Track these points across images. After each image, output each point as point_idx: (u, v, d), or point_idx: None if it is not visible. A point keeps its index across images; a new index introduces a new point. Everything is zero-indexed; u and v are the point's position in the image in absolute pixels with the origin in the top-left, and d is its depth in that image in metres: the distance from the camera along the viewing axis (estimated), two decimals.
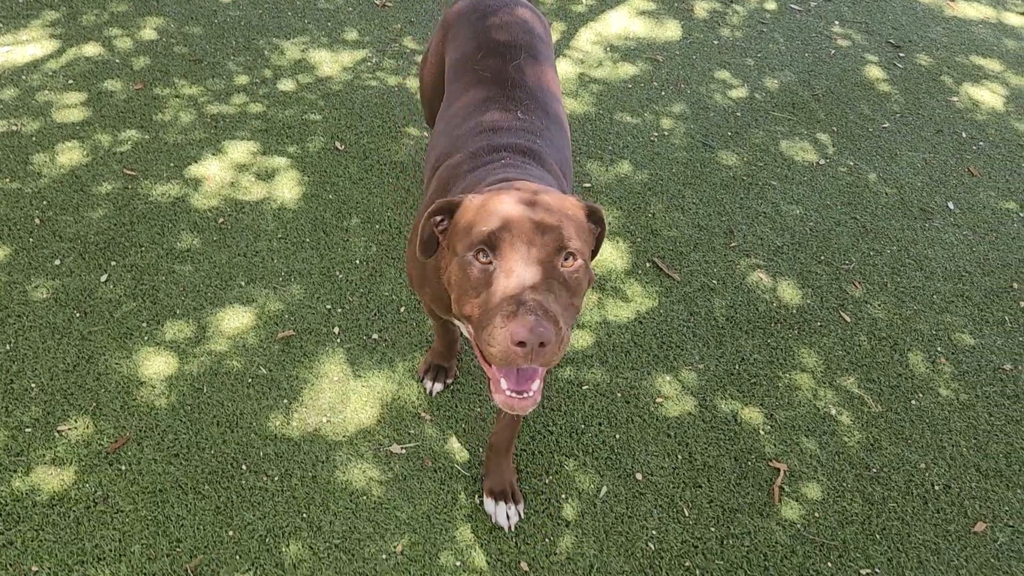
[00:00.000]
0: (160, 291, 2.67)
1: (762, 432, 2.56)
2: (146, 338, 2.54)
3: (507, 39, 2.26)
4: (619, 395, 2.59)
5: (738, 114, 3.81)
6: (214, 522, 2.17)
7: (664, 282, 2.96)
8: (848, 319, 2.94)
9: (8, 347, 2.48)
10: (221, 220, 2.92)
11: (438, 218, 1.59)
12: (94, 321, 2.56)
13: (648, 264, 3.01)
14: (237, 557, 2.11)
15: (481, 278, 1.40)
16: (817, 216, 3.33)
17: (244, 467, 2.28)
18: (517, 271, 1.36)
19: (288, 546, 2.15)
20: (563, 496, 2.33)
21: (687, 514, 2.34)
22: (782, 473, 2.47)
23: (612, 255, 3.01)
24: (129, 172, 3.04)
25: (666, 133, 3.61)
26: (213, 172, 3.09)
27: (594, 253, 1.64)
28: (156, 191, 2.99)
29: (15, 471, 2.22)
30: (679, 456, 2.46)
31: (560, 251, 1.41)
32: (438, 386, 2.52)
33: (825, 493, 2.44)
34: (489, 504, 2.26)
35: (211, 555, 2.11)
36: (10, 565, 2.04)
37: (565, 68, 3.91)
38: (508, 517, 2.25)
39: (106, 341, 2.51)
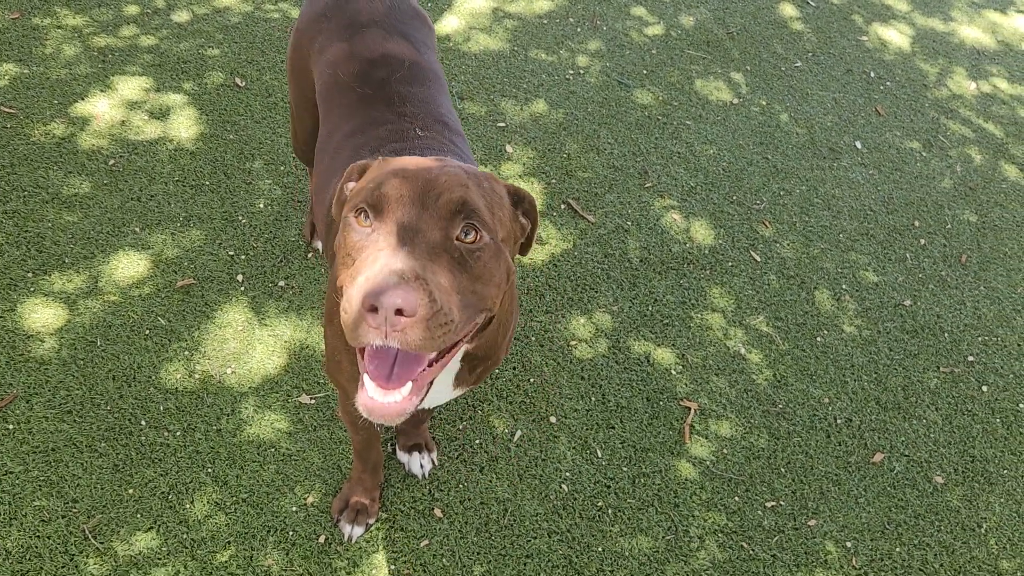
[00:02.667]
0: (46, 239, 2.50)
1: (674, 372, 2.59)
2: (32, 289, 2.38)
3: (383, 43, 1.88)
4: (533, 339, 2.57)
5: (653, 51, 3.76)
6: (112, 480, 2.08)
7: (579, 224, 2.93)
8: (758, 259, 2.98)
9: None
10: (112, 162, 2.74)
11: (351, 185, 1.33)
12: None
13: (563, 206, 2.98)
14: (138, 515, 2.04)
15: (358, 244, 1.13)
16: (730, 156, 3.34)
17: (143, 423, 2.19)
18: (396, 235, 1.10)
19: (193, 503, 2.08)
20: (477, 442, 2.32)
21: (600, 455, 2.36)
22: (692, 412, 2.51)
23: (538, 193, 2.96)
24: (7, 110, 2.82)
25: (581, 71, 3.55)
26: (102, 110, 2.89)
27: (524, 249, 1.39)
28: (39, 131, 2.78)
29: None
30: (592, 398, 2.47)
31: (458, 218, 1.13)
32: (358, 530, 2.09)
33: (733, 430, 2.50)
34: (402, 455, 2.23)
35: (110, 514, 2.03)
36: None
37: (479, 3, 3.79)
38: (422, 466, 2.23)
39: None
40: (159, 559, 1.98)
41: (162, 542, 2.01)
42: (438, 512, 2.17)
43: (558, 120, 3.29)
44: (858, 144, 3.57)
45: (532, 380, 2.47)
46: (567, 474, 2.31)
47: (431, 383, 1.20)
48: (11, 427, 2.12)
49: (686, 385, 2.57)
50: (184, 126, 2.90)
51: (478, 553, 2.12)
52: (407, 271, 1.03)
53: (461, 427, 2.34)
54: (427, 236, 1.10)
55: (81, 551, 1.96)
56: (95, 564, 1.95)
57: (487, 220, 1.16)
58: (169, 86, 3.05)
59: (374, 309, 0.99)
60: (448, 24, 3.62)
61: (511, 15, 3.77)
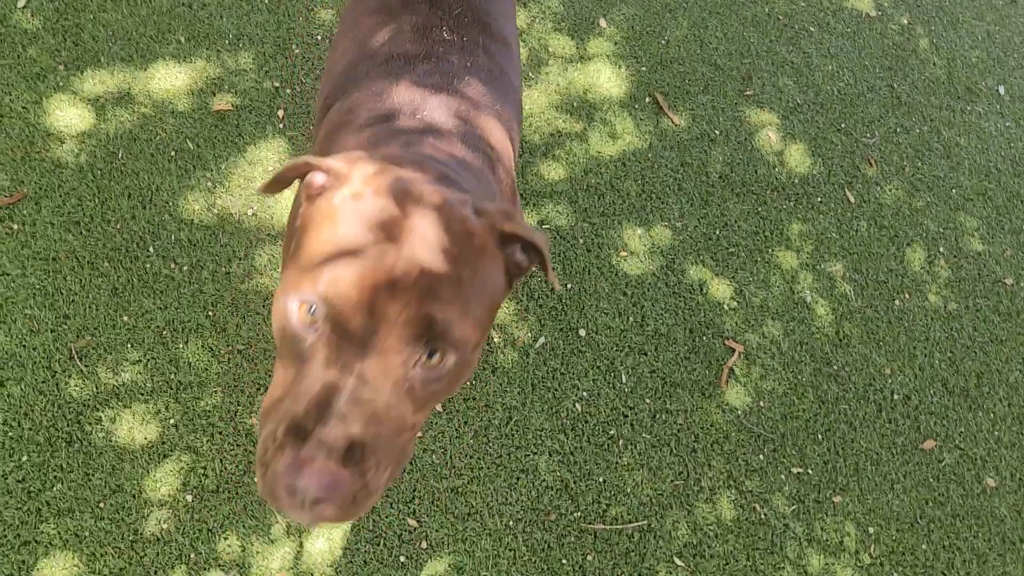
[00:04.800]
0: (85, 31, 2.31)
1: (726, 307, 2.34)
2: (61, 83, 2.22)
3: None
4: (580, 240, 2.34)
5: None
6: (109, 303, 1.97)
7: (661, 123, 2.62)
8: (852, 199, 2.64)
9: None
10: None
11: (320, 178, 1.02)
12: (3, 53, 2.23)
13: (648, 99, 2.66)
14: (128, 345, 1.94)
15: (295, 346, 0.92)
16: (850, 76, 2.93)
17: (151, 249, 2.06)
18: (342, 358, 0.89)
19: (187, 343, 1.97)
20: (497, 340, 2.14)
21: (624, 380, 2.17)
22: (737, 354, 2.28)
23: (610, 80, 2.65)
24: None
25: None
26: None
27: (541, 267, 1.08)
28: None
29: None
30: (630, 318, 2.26)
31: (420, 342, 0.91)
32: None
33: (776, 383, 2.27)
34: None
35: (100, 338, 1.93)
36: None
37: None
38: None
39: (14, 79, 2.20)
40: (142, 394, 1.89)
41: (148, 377, 1.91)
42: (437, 406, 2.02)
43: (665, 0, 2.91)
44: (1001, 89, 3.10)
45: (569, 286, 2.26)
46: (584, 393, 2.13)
47: None
48: (15, 227, 2.01)
49: (736, 324, 2.32)
50: None
51: (471, 456, 1.98)
52: (341, 441, 0.85)
53: None
54: (379, 362, 0.89)
55: (64, 369, 1.88)
56: (76, 387, 1.87)
57: (456, 335, 0.92)
58: None
59: (292, 491, 0.85)
60: None
61: None
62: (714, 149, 2.61)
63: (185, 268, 2.05)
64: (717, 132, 2.65)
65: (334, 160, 1.02)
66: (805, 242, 2.51)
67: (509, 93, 1.52)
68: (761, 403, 2.23)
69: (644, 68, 2.72)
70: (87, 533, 1.74)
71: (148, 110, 2.23)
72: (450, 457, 1.97)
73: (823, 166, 2.68)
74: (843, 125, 2.80)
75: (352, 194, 0.98)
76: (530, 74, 2.60)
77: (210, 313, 2.01)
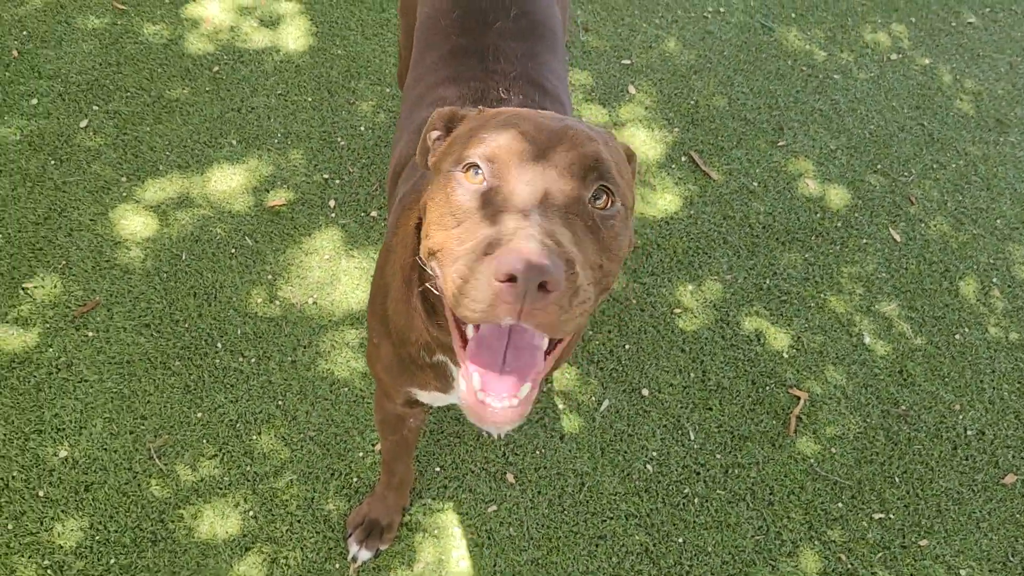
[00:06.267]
0: (144, 143, 2.43)
1: (786, 355, 2.34)
2: (124, 194, 2.32)
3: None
4: (634, 301, 2.36)
5: None
6: (182, 401, 2.02)
7: (699, 180, 2.66)
8: (898, 238, 2.65)
9: None
10: (216, 69, 2.64)
11: (435, 134, 1.13)
12: (70, 171, 2.34)
13: (684, 157, 2.71)
14: (204, 440, 1.98)
15: (466, 203, 0.94)
16: (880, 119, 2.97)
17: (219, 345, 2.11)
18: (523, 195, 0.91)
19: (260, 434, 2.00)
20: (561, 407, 2.15)
21: (692, 438, 2.16)
22: (802, 402, 2.26)
23: (645, 143, 2.71)
24: (119, 6, 2.74)
25: (722, 10, 3.21)
26: (212, 13, 2.78)
27: None
28: (148, 30, 2.70)
29: None
30: (691, 374, 2.26)
31: (591, 178, 0.94)
32: (365, 553, 1.85)
33: (846, 428, 2.24)
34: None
35: (177, 436, 1.97)
36: None
37: None
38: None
39: (81, 194, 2.30)
40: (220, 488, 1.92)
41: (225, 471, 1.94)
42: (510, 477, 2.02)
43: (689, 62, 2.99)
44: None
45: (627, 347, 2.27)
46: (654, 454, 2.12)
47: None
48: (90, 334, 2.08)
49: (797, 372, 2.31)
50: (292, 37, 2.77)
51: (547, 527, 1.97)
52: (548, 233, 0.85)
53: (544, 388, 2.18)
54: (558, 198, 0.92)
55: (144, 470, 1.92)
56: (157, 486, 1.90)
57: (619, 183, 0.98)
58: None
59: (512, 279, 0.80)
60: None
61: None
62: (754, 200, 2.64)
63: (252, 360, 2.10)
64: (755, 184, 2.69)
65: (446, 110, 1.13)
66: (856, 284, 2.51)
67: None
68: (833, 450, 2.20)
69: (677, 128, 2.78)
70: None
71: (207, 211, 2.32)
72: (527, 529, 1.96)
73: (865, 207, 2.70)
74: (879, 166, 2.82)
75: (490, 112, 1.06)
76: None
77: (280, 403, 2.05)
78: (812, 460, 2.18)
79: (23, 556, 1.79)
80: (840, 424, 2.25)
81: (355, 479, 1.97)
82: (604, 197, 0.96)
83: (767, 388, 2.27)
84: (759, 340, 2.35)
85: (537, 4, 1.65)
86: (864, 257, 2.58)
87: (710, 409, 2.21)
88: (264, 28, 2.78)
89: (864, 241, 2.62)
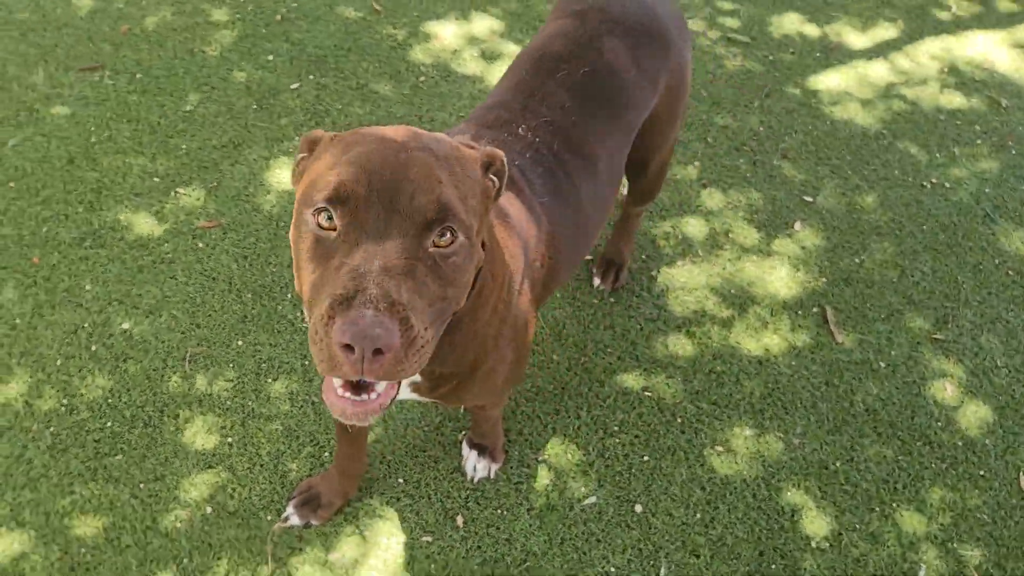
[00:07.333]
0: (331, 117, 2.76)
1: (814, 545, 2.05)
2: (290, 151, 2.65)
3: (571, 50, 1.68)
4: (679, 419, 2.22)
5: None
6: (234, 327, 2.25)
7: (821, 336, 2.44)
8: None
9: (189, 107, 2.74)
10: (422, 79, 2.93)
11: (299, 155, 1.19)
12: (262, 118, 2.73)
13: (816, 308, 2.50)
14: (230, 365, 2.18)
15: (319, 248, 1.02)
16: None
17: (289, 295, 2.33)
18: (364, 245, 0.98)
19: (275, 380, 2.17)
20: (546, 483, 2.08)
21: (662, 574, 1.98)
22: None
23: (782, 280, 2.54)
24: (376, 7, 3.15)
25: (947, 185, 2.92)
26: (446, 34, 3.08)
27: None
28: (385, 31, 3.07)
29: (124, 204, 2.47)
30: (698, 514, 2.07)
31: (434, 224, 1.01)
32: (296, 519, 1.93)
33: None
34: (465, 449, 2.09)
35: (212, 351, 2.20)
36: (69, 283, 2.30)
37: (864, 71, 3.29)
38: (475, 469, 2.06)
39: (259, 138, 2.67)
40: (218, 409, 2.10)
41: (231, 397, 2.13)
42: (459, 521, 2.00)
43: (878, 221, 2.76)
44: None
45: (646, 458, 2.14)
46: (612, 569, 1.97)
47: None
48: (200, 246, 2.40)
49: (818, 567, 2.02)
50: (499, 72, 2.98)
51: None
52: (383, 298, 0.93)
53: (536, 457, 2.12)
54: (399, 244, 0.99)
55: (173, 367, 2.16)
56: (175, 383, 2.13)
57: (463, 219, 1.04)
58: (513, 37, 3.15)
59: (349, 348, 0.92)
60: (824, 81, 3.22)
61: (900, 95, 3.22)
62: (871, 379, 2.36)
63: (303, 320, 2.29)
64: (883, 364, 2.40)
65: (311, 133, 1.19)
66: (943, 512, 2.15)
67: (568, 199, 1.60)
68: None
69: (824, 279, 2.58)
70: (118, 505, 1.95)
71: None
72: (449, 573, 1.92)
73: (1003, 439, 2.30)
74: None
75: (337, 139, 1.12)
76: (699, 251, 2.59)
77: (305, 362, 2.21)
78: None
79: (54, 390, 2.10)
80: None
81: (327, 455, 2.06)
82: (447, 236, 1.03)
83: (774, 567, 2.01)
84: (792, 516, 2.10)
85: (610, 70, 1.68)
86: (970, 488, 2.20)
87: (697, 556, 2.01)
88: (480, 60, 3.03)
89: (981, 473, 2.23)
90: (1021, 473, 2.25)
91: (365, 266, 0.96)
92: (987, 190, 2.93)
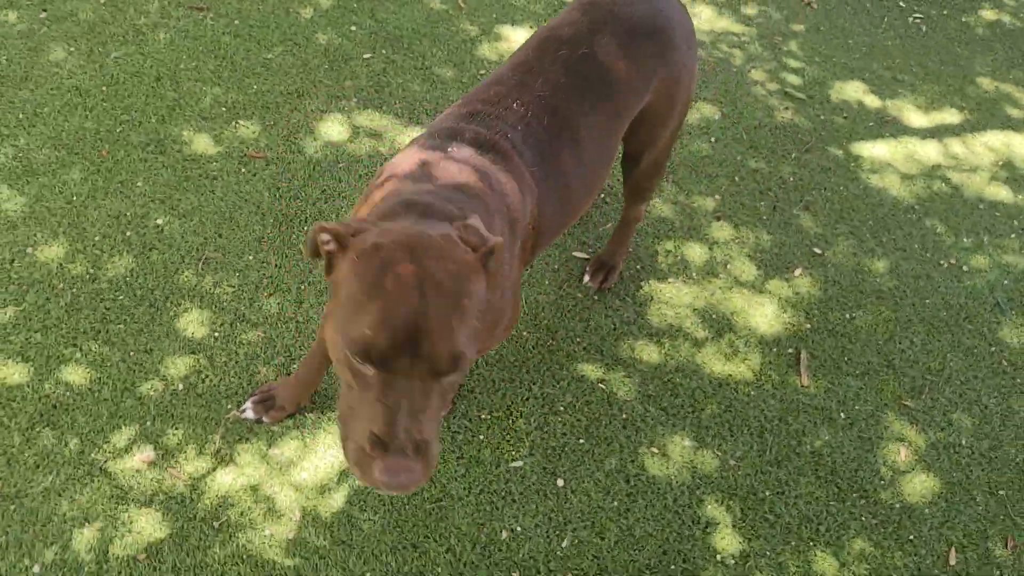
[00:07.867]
0: (389, 88, 3.03)
1: (719, 559, 2.12)
2: (346, 109, 2.93)
3: (573, 35, 1.86)
4: (624, 415, 2.33)
5: None
6: (254, 248, 2.51)
7: (788, 376, 2.50)
8: (953, 562, 2.21)
9: (270, 55, 3.06)
10: (483, 73, 3.16)
11: (325, 237, 1.31)
12: (331, 76, 3.02)
13: (791, 350, 2.57)
14: (238, 274, 2.44)
15: (357, 375, 1.25)
16: None
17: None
18: (393, 396, 1.22)
19: (271, 296, 2.41)
20: (481, 439, 2.23)
21: (564, 546, 2.09)
22: None
23: (765, 318, 2.62)
24: (461, 5, 3.42)
25: (965, 268, 2.92)
26: (517, 37, 3.31)
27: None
28: (462, 25, 3.33)
29: (191, 123, 2.79)
30: (615, 501, 2.17)
31: (450, 371, 1.24)
32: (251, 413, 2.16)
33: None
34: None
35: (226, 260, 2.46)
36: (125, 177, 2.62)
37: (911, 148, 3.31)
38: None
39: (321, 92, 2.96)
40: (215, 306, 2.36)
41: (229, 300, 2.38)
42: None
43: (882, 285, 2.79)
44: None
45: (581, 441, 2.26)
46: (518, 528, 2.10)
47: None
48: (243, 171, 2.68)
49: None
50: None
51: (381, 505, 2.08)
52: (412, 444, 1.21)
53: (477, 417, 2.27)
54: (421, 388, 1.24)
55: (187, 264, 2.44)
56: (185, 277, 2.41)
57: (470, 356, 1.27)
58: None
59: (387, 483, 1.21)
60: (869, 148, 3.28)
61: (944, 177, 3.23)
62: (826, 427, 2.41)
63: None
64: (843, 415, 2.45)
65: (337, 225, 1.32)
66: (860, 563, 2.17)
67: (554, 169, 1.76)
68: None
69: (808, 326, 2.64)
70: (108, 364, 2.22)
71: (382, 147, 2.82)
72: (367, 490, 2.09)
73: (944, 512, 2.30)
74: (1001, 492, 2.37)
75: (363, 273, 1.26)
76: (693, 274, 2.70)
77: (300, 287, 2.44)
78: None
79: (86, 260, 2.41)
80: None
81: (294, 367, 2.28)
82: (456, 368, 1.25)
83: (672, 568, 2.09)
84: (706, 528, 2.17)
85: (605, 55, 1.84)
86: (896, 550, 2.21)
87: (602, 538, 2.11)
88: None
89: (911, 537, 2.24)
90: (953, 548, 2.25)
91: (396, 407, 1.21)
92: (1005, 282, 2.91)
